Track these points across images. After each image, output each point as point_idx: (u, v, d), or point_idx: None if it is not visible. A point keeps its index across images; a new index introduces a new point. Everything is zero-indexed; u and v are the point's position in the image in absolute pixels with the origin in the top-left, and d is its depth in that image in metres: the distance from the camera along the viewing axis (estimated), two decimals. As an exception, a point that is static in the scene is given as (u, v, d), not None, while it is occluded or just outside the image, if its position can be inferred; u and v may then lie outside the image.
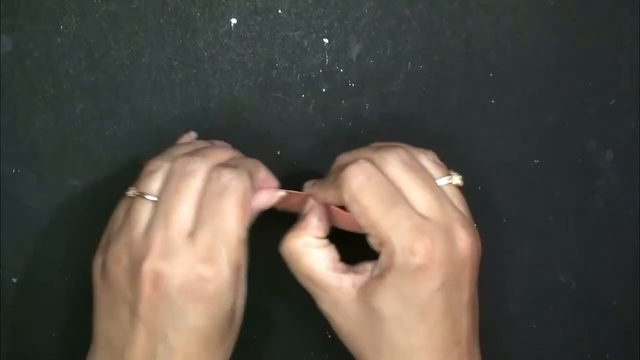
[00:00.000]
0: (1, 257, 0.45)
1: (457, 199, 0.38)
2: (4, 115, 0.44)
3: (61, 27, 0.43)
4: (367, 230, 0.36)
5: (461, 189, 0.41)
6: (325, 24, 0.44)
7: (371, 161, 0.36)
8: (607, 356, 0.49)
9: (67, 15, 0.43)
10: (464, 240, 0.36)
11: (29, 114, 0.44)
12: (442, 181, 0.38)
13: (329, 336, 0.47)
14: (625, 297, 0.49)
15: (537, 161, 0.47)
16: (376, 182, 0.36)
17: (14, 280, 0.45)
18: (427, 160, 0.39)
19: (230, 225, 0.35)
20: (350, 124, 0.45)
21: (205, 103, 0.44)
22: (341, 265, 0.37)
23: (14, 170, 0.44)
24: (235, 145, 0.45)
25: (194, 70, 0.44)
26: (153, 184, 0.37)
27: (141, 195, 0.36)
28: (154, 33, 0.43)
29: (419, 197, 0.36)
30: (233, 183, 0.36)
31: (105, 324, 0.37)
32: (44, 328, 0.46)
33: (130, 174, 0.45)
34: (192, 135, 0.42)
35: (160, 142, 0.44)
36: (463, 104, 0.46)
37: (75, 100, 0.44)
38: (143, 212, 0.36)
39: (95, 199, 0.45)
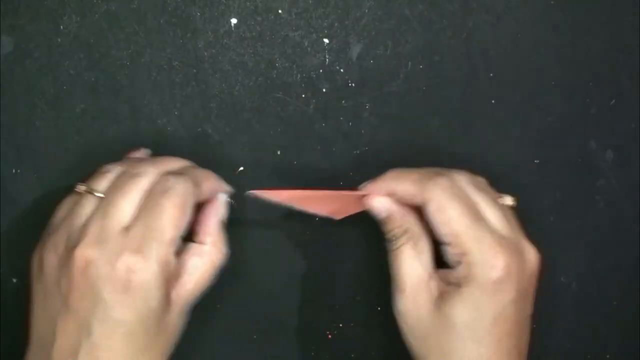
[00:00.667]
0: (1, 257, 0.45)
1: (513, 218, 0.40)
2: (4, 115, 0.44)
3: (61, 27, 0.43)
4: (447, 239, 0.37)
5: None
6: (325, 24, 0.44)
7: (449, 177, 0.39)
8: (607, 356, 0.49)
9: (67, 15, 0.43)
10: (533, 256, 0.39)
11: (29, 114, 0.44)
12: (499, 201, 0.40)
13: (330, 336, 0.47)
14: (625, 297, 0.49)
15: (537, 161, 0.47)
16: (461, 196, 0.38)
17: (14, 280, 0.45)
18: (483, 184, 0.41)
19: (164, 223, 0.36)
20: (350, 124, 0.45)
21: (205, 103, 0.44)
22: (432, 267, 0.39)
23: (14, 170, 0.44)
24: (235, 145, 0.45)
25: (194, 70, 0.44)
26: (102, 183, 0.38)
27: (89, 191, 0.38)
28: (154, 33, 0.43)
29: (492, 215, 0.39)
30: (176, 186, 0.36)
31: (38, 320, 0.37)
32: (44, 328, 0.46)
33: (130, 174, 0.44)
34: (145, 152, 0.43)
35: (160, 142, 0.44)
36: (463, 104, 0.46)
37: (75, 100, 0.44)
38: (87, 207, 0.37)
39: (95, 199, 0.45)
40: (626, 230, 0.48)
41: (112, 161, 0.40)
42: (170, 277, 0.36)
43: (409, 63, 0.45)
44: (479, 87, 0.45)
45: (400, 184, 0.39)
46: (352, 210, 0.42)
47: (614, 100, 0.47)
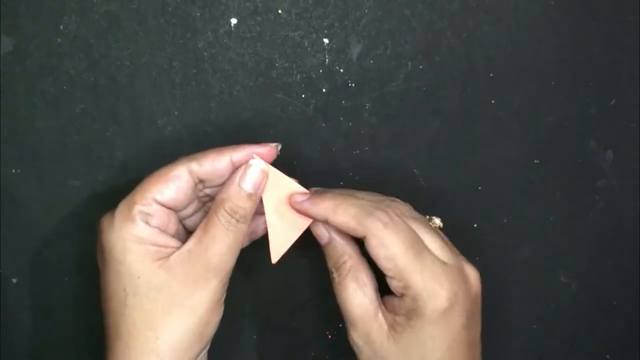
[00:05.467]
0: (1, 257, 0.45)
1: (448, 240, 0.40)
2: (4, 115, 0.44)
3: (61, 27, 0.43)
4: (391, 274, 0.37)
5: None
6: (325, 24, 0.44)
7: (387, 210, 0.38)
8: (607, 356, 0.49)
9: (67, 15, 0.43)
10: (474, 276, 0.39)
11: (29, 114, 0.44)
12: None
13: (330, 337, 0.47)
14: (625, 297, 0.49)
15: (537, 161, 0.47)
16: (402, 229, 0.37)
17: (14, 280, 0.45)
18: (413, 210, 0.40)
19: (138, 188, 0.38)
20: (350, 124, 0.45)
21: (205, 103, 0.44)
22: (378, 297, 0.38)
23: (14, 171, 0.44)
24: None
25: (194, 70, 0.44)
26: None
27: None
28: (154, 33, 0.43)
29: (432, 243, 0.38)
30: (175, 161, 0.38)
31: None
32: (44, 328, 0.46)
33: (130, 174, 0.45)
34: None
35: (160, 143, 0.44)
36: (463, 104, 0.46)
37: (75, 100, 0.44)
38: None
39: (95, 199, 0.45)
40: (626, 230, 0.48)
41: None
42: (148, 239, 0.37)
43: (409, 63, 0.45)
44: (479, 87, 0.45)
45: (339, 217, 0.37)
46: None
47: (614, 100, 0.47)
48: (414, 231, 0.38)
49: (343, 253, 0.39)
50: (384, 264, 0.37)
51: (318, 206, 0.38)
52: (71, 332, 0.46)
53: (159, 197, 0.37)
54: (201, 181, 0.38)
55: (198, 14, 0.43)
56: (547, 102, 0.46)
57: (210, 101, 0.44)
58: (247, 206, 0.38)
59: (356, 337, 0.38)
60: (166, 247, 0.37)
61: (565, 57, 0.46)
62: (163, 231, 0.38)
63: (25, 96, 0.43)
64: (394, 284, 0.37)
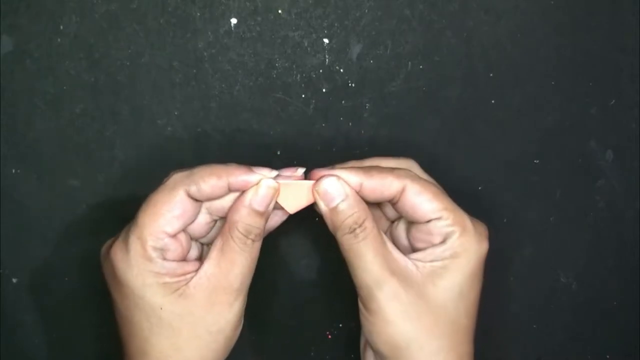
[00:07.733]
0: (1, 257, 0.45)
1: None
2: (4, 115, 0.44)
3: (61, 27, 0.43)
4: (435, 215, 0.37)
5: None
6: (325, 24, 0.44)
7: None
8: (607, 356, 0.49)
9: (67, 15, 0.43)
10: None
11: (29, 114, 0.44)
12: None
13: (330, 337, 0.47)
14: (625, 297, 0.49)
15: (537, 161, 0.47)
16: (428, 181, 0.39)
17: (14, 280, 0.45)
18: None
19: (142, 219, 0.37)
20: (350, 124, 0.45)
21: (205, 103, 0.44)
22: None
23: (14, 171, 0.44)
24: (236, 145, 0.45)
25: (194, 70, 0.44)
26: None
27: None
28: (154, 33, 0.43)
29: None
30: (165, 182, 0.37)
31: None
32: (44, 328, 0.46)
33: (130, 174, 0.45)
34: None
35: (160, 143, 0.44)
36: (463, 104, 0.46)
37: (75, 100, 0.44)
38: None
39: (95, 199, 0.45)
40: (626, 230, 0.48)
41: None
42: (167, 272, 0.36)
43: (409, 63, 0.45)
44: (479, 87, 0.45)
45: (374, 176, 0.37)
46: (305, 202, 0.39)
47: (614, 100, 0.47)
48: None
49: (365, 208, 0.37)
50: (428, 206, 0.37)
51: (349, 176, 0.37)
52: (71, 332, 0.46)
53: (169, 229, 0.36)
54: (197, 200, 0.38)
55: (198, 14, 0.43)
56: (547, 102, 0.46)
57: (210, 101, 0.44)
58: (260, 224, 0.37)
59: (383, 298, 0.37)
60: (184, 274, 0.37)
61: (565, 57, 0.46)
62: (179, 260, 0.37)
63: (25, 96, 0.43)
64: (440, 224, 0.37)
